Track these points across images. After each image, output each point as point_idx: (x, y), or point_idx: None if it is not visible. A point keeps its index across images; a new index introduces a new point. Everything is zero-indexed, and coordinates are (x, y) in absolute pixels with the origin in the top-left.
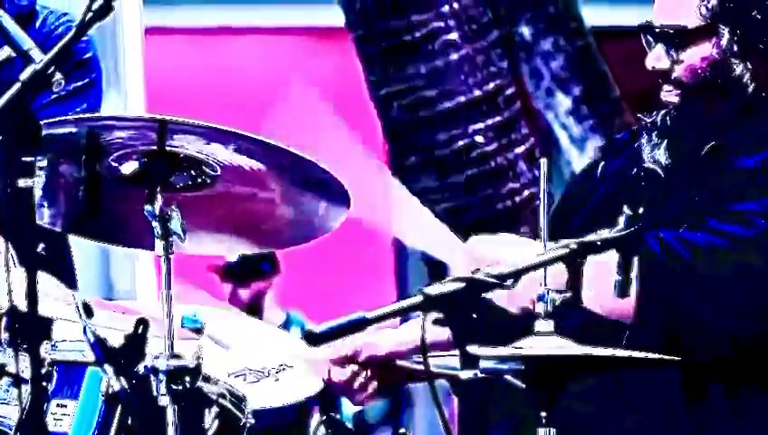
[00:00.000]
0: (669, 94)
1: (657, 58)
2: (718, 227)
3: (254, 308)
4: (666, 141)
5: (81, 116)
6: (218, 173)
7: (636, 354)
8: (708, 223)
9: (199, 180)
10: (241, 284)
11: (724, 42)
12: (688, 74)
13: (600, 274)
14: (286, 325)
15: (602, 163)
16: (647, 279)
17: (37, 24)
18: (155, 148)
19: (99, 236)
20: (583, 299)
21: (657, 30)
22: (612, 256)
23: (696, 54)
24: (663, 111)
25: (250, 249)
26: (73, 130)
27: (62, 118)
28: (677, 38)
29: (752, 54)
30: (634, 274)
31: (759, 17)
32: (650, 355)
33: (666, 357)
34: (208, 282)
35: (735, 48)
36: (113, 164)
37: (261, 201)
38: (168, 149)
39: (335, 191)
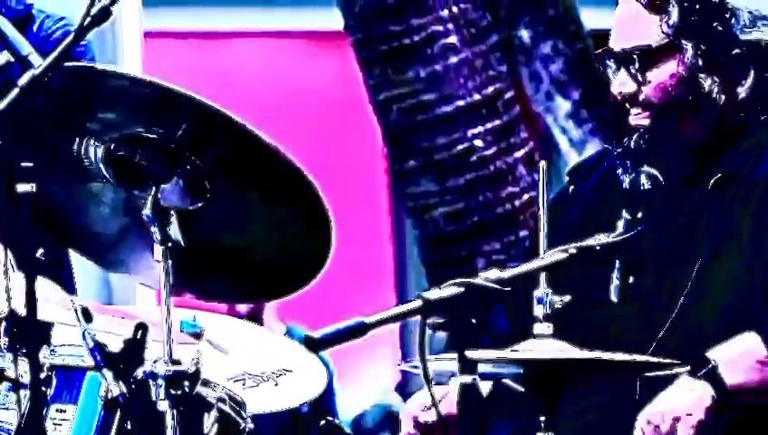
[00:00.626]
0: (639, 118)
1: (622, 84)
2: None
3: (253, 321)
4: (646, 167)
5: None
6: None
7: (638, 358)
8: None
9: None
10: None
11: (688, 57)
12: (658, 93)
13: (742, 362)
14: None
15: (572, 187)
16: None
17: (34, 29)
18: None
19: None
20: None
21: (620, 54)
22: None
23: (664, 73)
24: (635, 136)
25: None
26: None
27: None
28: (642, 59)
29: (717, 68)
30: (631, 279)
31: (720, 29)
32: (652, 359)
33: (667, 361)
34: None
35: (701, 62)
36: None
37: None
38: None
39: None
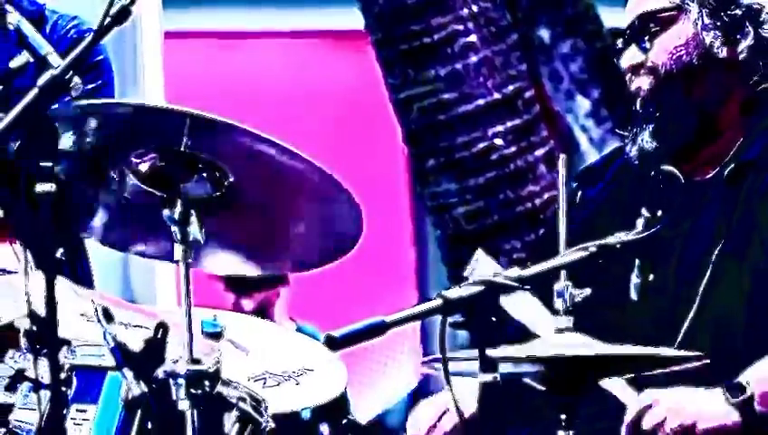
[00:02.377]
0: (639, 81)
1: (631, 56)
2: None
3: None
4: (650, 126)
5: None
6: (233, 179)
7: (661, 352)
8: None
9: (217, 186)
10: (244, 294)
11: (693, 16)
12: (663, 57)
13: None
14: None
15: (579, 192)
16: None
17: (47, 29)
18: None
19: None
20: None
21: (629, 28)
22: None
23: (669, 36)
24: (639, 100)
25: (266, 270)
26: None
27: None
28: (650, 23)
29: (719, 24)
30: (651, 277)
31: None
32: (674, 352)
33: (690, 354)
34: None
35: (704, 20)
36: (134, 160)
37: (276, 216)
38: (186, 150)
39: (349, 210)
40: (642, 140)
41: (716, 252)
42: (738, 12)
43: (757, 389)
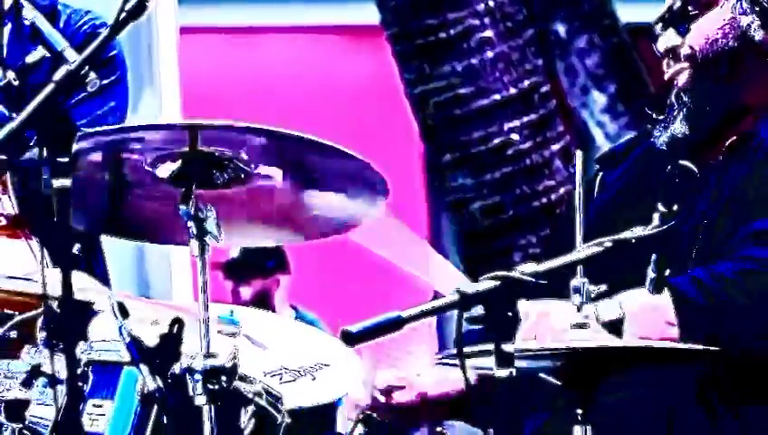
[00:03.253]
0: (675, 68)
1: (668, 39)
2: (749, 253)
3: (262, 306)
4: (682, 113)
5: (115, 127)
6: (254, 170)
7: (676, 345)
8: (740, 251)
9: (234, 176)
10: (242, 281)
11: (732, 0)
12: (701, 42)
13: (649, 317)
14: None
15: (600, 174)
16: (689, 324)
17: (61, 24)
18: (188, 150)
19: (132, 235)
20: (624, 335)
21: (666, 12)
22: (663, 300)
23: (707, 21)
24: (675, 91)
25: (281, 240)
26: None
27: (96, 130)
28: (689, 5)
29: (757, 7)
30: (667, 272)
31: None
32: (690, 346)
33: (706, 348)
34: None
35: (744, 4)
36: (148, 169)
37: (290, 193)
38: (201, 149)
39: (371, 181)
40: (674, 128)
41: (700, 236)
42: None
43: (629, 312)
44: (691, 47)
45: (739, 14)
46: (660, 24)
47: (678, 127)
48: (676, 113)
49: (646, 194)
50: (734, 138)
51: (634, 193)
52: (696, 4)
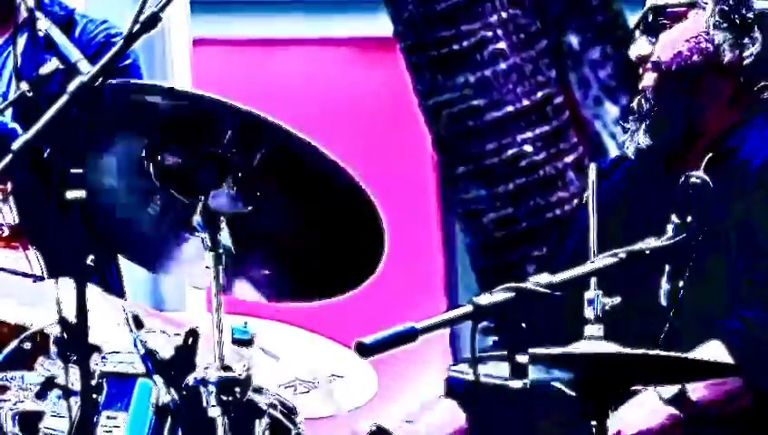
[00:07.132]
0: (645, 77)
1: (639, 47)
2: None
3: None
4: (645, 123)
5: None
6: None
7: (697, 357)
8: None
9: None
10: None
11: (707, 15)
12: (669, 53)
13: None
14: None
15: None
16: (746, 361)
17: (76, 32)
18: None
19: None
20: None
21: (640, 19)
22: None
23: (677, 31)
24: (638, 97)
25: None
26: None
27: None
28: (659, 16)
29: (730, 25)
30: (682, 283)
31: None
32: (711, 359)
33: (726, 363)
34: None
35: (717, 18)
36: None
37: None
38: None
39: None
40: (638, 139)
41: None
42: (750, 15)
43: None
44: (658, 57)
45: (713, 28)
46: (637, 32)
47: (642, 139)
48: (639, 124)
49: (642, 211)
50: (711, 154)
51: (626, 210)
52: (668, 16)
